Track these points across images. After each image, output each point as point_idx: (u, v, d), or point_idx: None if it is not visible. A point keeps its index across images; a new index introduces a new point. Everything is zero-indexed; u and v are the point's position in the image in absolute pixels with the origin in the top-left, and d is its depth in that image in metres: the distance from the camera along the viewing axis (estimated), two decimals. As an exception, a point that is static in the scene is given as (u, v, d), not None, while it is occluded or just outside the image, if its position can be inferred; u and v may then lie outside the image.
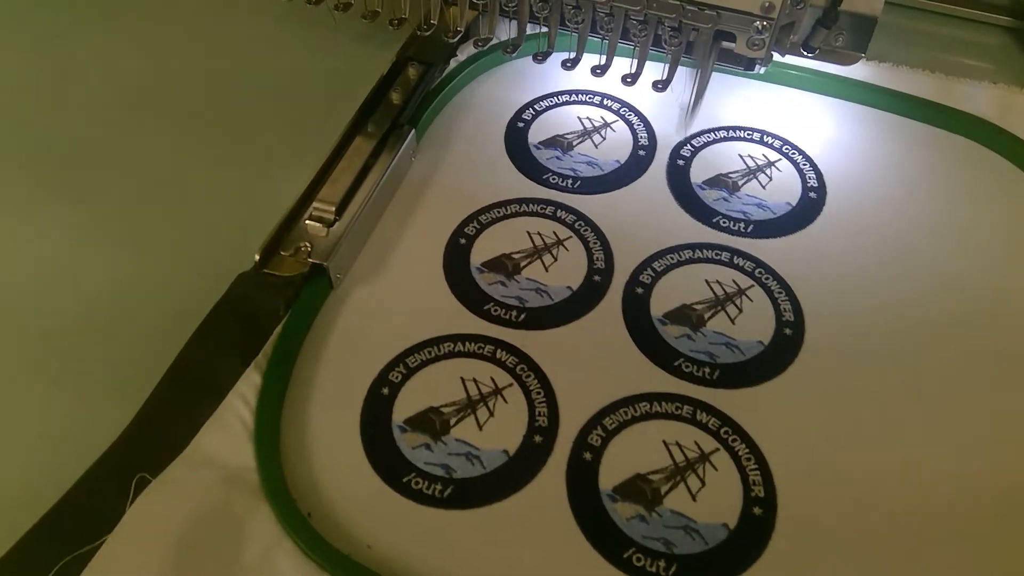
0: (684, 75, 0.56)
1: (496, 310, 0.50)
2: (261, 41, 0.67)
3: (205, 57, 0.66)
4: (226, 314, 0.46)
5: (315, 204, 0.51)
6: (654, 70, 0.54)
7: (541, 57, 0.57)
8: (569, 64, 0.57)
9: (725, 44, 0.53)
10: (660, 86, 0.55)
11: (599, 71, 0.56)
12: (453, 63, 0.62)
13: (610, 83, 0.63)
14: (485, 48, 0.58)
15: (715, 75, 0.57)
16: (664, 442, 0.44)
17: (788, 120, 0.61)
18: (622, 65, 0.55)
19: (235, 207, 0.55)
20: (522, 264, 0.52)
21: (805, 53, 0.54)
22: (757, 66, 0.55)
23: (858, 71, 0.62)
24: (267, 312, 0.47)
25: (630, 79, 0.55)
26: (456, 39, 0.60)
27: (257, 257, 0.48)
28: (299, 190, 0.51)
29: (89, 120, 0.61)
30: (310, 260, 0.48)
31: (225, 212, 0.55)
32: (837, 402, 0.46)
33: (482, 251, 0.53)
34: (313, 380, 0.46)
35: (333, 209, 0.50)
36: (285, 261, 0.49)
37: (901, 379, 0.47)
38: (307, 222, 0.50)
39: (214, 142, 0.59)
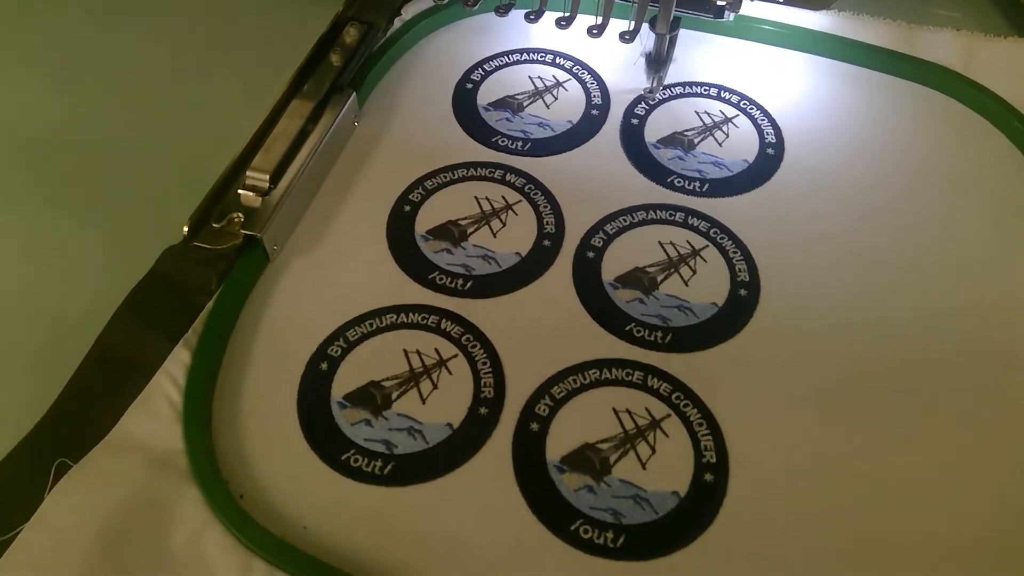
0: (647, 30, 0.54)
1: (441, 279, 0.48)
2: None
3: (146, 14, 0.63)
4: (153, 290, 0.44)
5: (248, 173, 0.48)
6: (618, 25, 0.53)
7: (503, 10, 0.55)
8: (532, 16, 0.54)
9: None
10: (627, 37, 0.52)
11: (563, 23, 0.53)
12: (398, 23, 0.60)
13: (562, 40, 0.60)
14: (475, 6, 0.55)
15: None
16: (614, 410, 0.43)
17: (747, 75, 0.59)
18: (584, 21, 0.53)
19: (170, 173, 0.53)
20: (469, 231, 0.50)
21: None
22: (726, 13, 0.53)
23: (819, 21, 0.60)
24: (197, 287, 0.45)
25: (596, 31, 0.53)
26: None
27: (186, 229, 0.46)
28: (230, 156, 0.49)
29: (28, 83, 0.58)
30: (243, 232, 0.46)
31: (159, 179, 0.53)
32: (792, 365, 0.45)
33: (427, 218, 0.51)
34: (247, 357, 0.44)
35: (267, 178, 0.48)
36: (217, 233, 0.47)
37: (861, 338, 0.46)
38: (240, 192, 0.48)
39: (151, 102, 0.57)
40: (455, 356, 0.45)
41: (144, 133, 0.55)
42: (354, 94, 0.54)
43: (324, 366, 0.44)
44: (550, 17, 0.54)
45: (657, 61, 0.55)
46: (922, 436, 0.42)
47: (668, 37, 0.53)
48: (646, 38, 0.55)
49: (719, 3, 0.51)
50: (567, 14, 0.54)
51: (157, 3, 0.64)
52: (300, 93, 0.53)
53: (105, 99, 0.57)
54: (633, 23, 0.53)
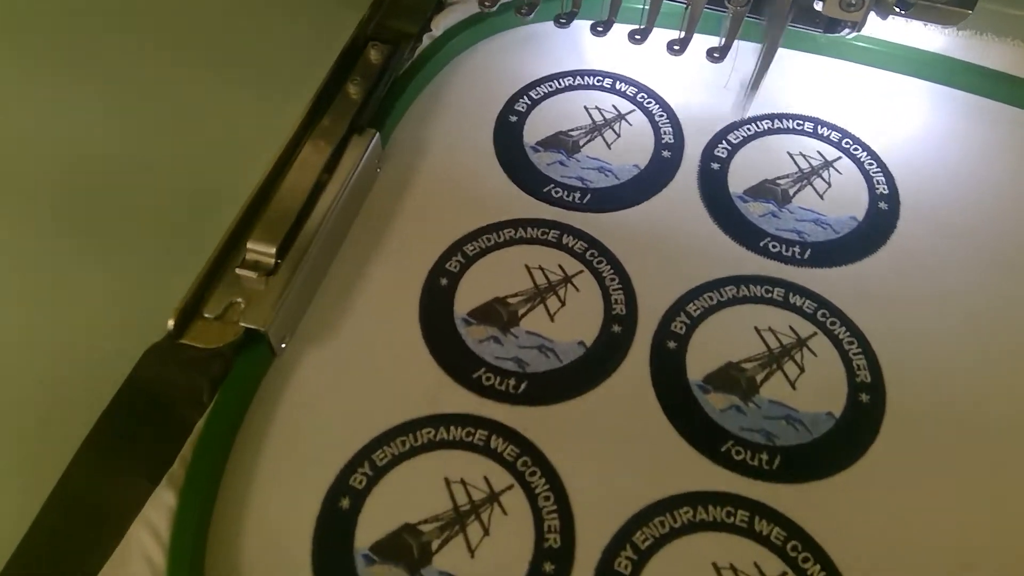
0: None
1: (489, 377, 0.39)
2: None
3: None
4: (129, 409, 0.35)
5: (248, 245, 0.39)
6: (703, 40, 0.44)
7: (565, 20, 0.45)
8: (600, 29, 0.44)
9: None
10: (717, 55, 0.43)
11: (638, 37, 0.44)
12: (426, 40, 0.49)
13: (620, 58, 0.50)
14: (493, 8, 0.45)
15: (751, 44, 0.46)
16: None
17: (847, 105, 0.49)
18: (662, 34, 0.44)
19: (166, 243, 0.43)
20: (520, 312, 0.41)
21: (899, 11, 0.42)
22: (845, 30, 0.43)
23: (934, 41, 0.50)
24: (186, 400, 0.36)
25: (678, 47, 0.43)
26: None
27: (171, 324, 0.36)
28: (225, 225, 0.39)
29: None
30: (242, 324, 0.37)
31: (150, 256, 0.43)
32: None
33: (468, 295, 0.41)
34: (248, 495, 0.35)
35: (273, 251, 0.38)
36: (210, 327, 0.37)
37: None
38: (238, 271, 0.38)
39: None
40: (515, 476, 0.36)
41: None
42: (377, 135, 0.44)
43: (345, 503, 0.35)
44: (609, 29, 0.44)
45: (752, 85, 0.45)
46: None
47: (770, 53, 0.43)
48: (734, 60, 0.45)
49: (842, 19, 0.41)
50: (642, 26, 0.45)
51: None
52: (312, 136, 0.43)
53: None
54: (724, 38, 0.43)
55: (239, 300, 0.38)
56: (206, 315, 0.37)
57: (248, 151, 0.42)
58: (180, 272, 0.38)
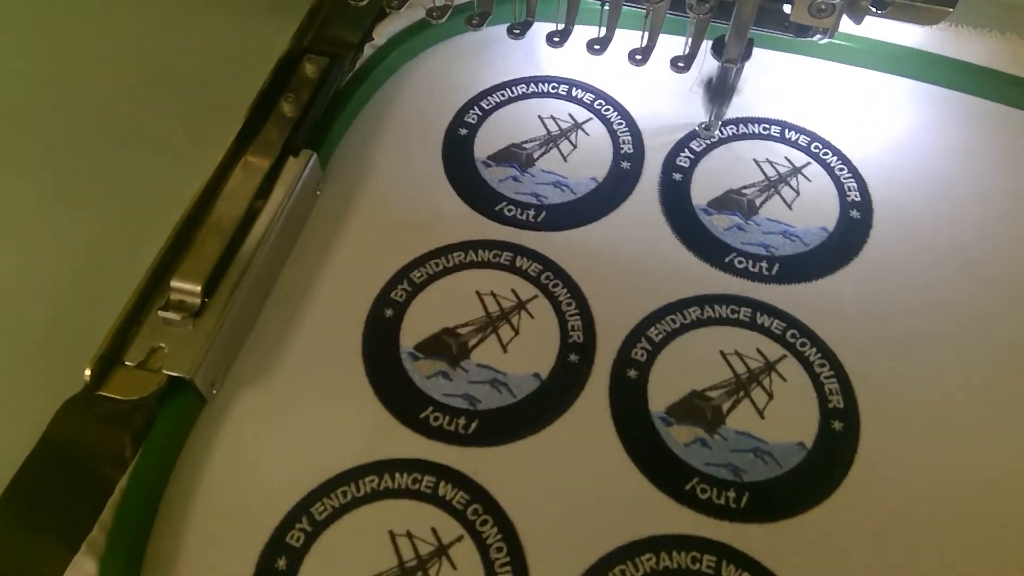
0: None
1: (437, 417, 0.36)
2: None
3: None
4: (43, 470, 0.32)
5: (172, 283, 0.36)
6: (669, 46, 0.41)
7: (520, 30, 0.43)
8: (557, 39, 0.42)
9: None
10: (681, 64, 0.40)
11: (597, 47, 0.41)
12: (368, 50, 0.46)
13: (577, 63, 0.48)
14: (443, 20, 0.42)
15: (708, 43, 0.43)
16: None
17: (817, 106, 0.46)
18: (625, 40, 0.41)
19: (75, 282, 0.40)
20: (471, 343, 0.38)
21: (874, 10, 0.39)
22: (817, 35, 0.40)
23: (909, 36, 0.47)
24: (105, 458, 0.33)
25: (640, 56, 0.41)
26: (399, 8, 0.43)
27: (88, 374, 0.34)
28: (147, 262, 0.36)
29: None
30: (165, 372, 0.34)
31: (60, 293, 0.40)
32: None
33: (415, 326, 0.39)
34: (176, 560, 0.32)
35: (198, 288, 0.36)
36: (132, 376, 0.34)
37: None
38: (160, 313, 0.35)
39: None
40: (460, 539, 0.33)
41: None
42: (314, 156, 0.41)
43: (282, 564, 0.32)
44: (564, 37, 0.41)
45: (720, 91, 0.43)
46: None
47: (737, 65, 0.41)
48: (703, 62, 0.42)
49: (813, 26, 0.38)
50: (601, 35, 0.42)
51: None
52: (242, 160, 0.40)
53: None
54: (689, 44, 0.41)
55: (162, 345, 0.35)
56: (127, 362, 0.35)
57: (172, 178, 0.39)
58: (98, 315, 0.35)
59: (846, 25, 0.45)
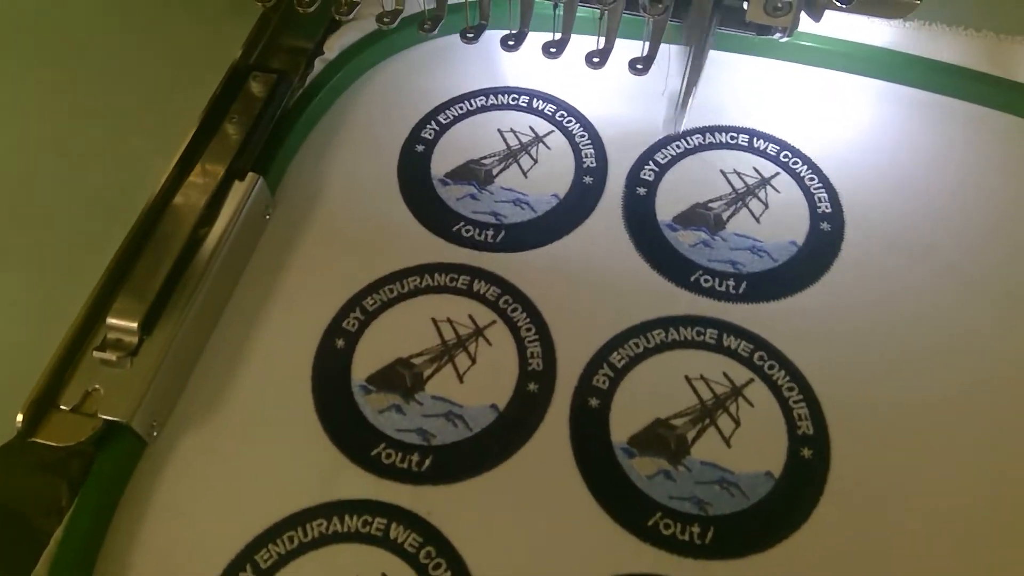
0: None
1: (390, 454, 0.35)
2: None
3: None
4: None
5: (109, 321, 0.34)
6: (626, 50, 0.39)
7: (473, 34, 0.41)
8: (512, 42, 0.40)
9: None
10: (640, 66, 0.39)
11: (553, 50, 0.39)
12: (319, 65, 0.45)
13: (536, 73, 0.46)
14: (394, 24, 0.41)
15: (677, 47, 0.41)
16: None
17: (785, 112, 0.44)
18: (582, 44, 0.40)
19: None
20: (426, 374, 0.37)
21: (839, 4, 0.38)
22: (777, 33, 0.39)
23: (879, 35, 0.45)
24: (40, 508, 0.32)
25: (597, 59, 0.39)
26: (348, 15, 0.41)
27: (20, 420, 0.32)
28: (82, 298, 0.35)
29: None
30: (101, 416, 0.33)
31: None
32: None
33: (368, 357, 0.37)
34: (114, 613, 0.31)
35: (135, 326, 0.34)
36: (66, 420, 0.33)
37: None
38: (95, 354, 0.34)
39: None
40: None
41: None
42: (261, 179, 0.39)
43: (226, 616, 0.31)
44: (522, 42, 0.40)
45: (681, 104, 0.41)
46: None
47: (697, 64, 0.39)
48: (667, 66, 0.41)
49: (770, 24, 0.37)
50: (556, 36, 0.40)
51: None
52: (184, 186, 0.38)
53: None
54: (647, 46, 0.39)
55: (98, 387, 0.33)
56: (62, 406, 0.33)
57: (106, 206, 0.38)
58: (31, 356, 0.33)
59: (814, 26, 0.43)
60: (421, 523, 0.33)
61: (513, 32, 0.42)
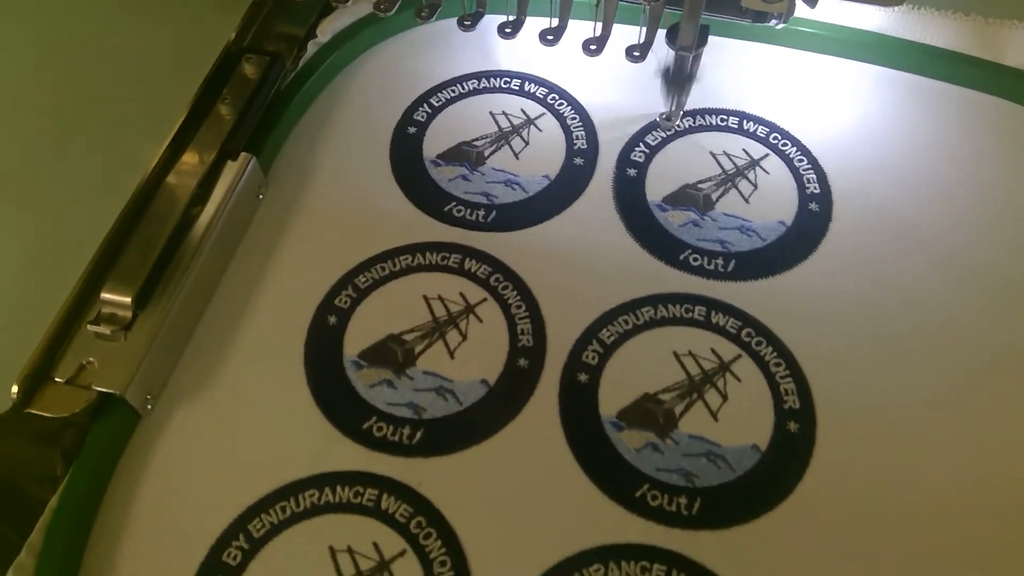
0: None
1: (381, 427, 0.35)
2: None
3: None
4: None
5: (102, 295, 0.35)
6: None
7: (469, 21, 0.41)
8: (509, 30, 0.40)
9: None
10: (637, 54, 0.39)
11: (550, 37, 0.40)
12: (312, 48, 0.45)
13: (529, 56, 0.46)
14: (390, 12, 0.41)
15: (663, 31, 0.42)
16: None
17: (775, 95, 0.45)
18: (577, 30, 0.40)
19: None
20: (417, 350, 0.37)
21: None
22: (773, 20, 0.39)
23: (868, 19, 0.46)
24: (34, 478, 0.32)
25: (594, 46, 0.40)
26: (344, 1, 0.41)
27: (15, 391, 0.33)
28: (77, 273, 0.35)
29: None
30: (95, 388, 0.33)
31: None
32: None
33: (360, 334, 0.38)
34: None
35: (128, 300, 0.35)
36: (60, 392, 0.33)
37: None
38: (89, 327, 0.34)
39: None
40: (402, 552, 0.32)
41: None
42: (253, 159, 0.40)
43: (218, 583, 0.32)
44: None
45: (679, 80, 0.41)
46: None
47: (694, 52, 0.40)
48: (664, 52, 0.41)
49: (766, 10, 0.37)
50: (553, 25, 0.40)
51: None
52: (178, 165, 0.39)
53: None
54: (644, 33, 0.39)
55: (92, 360, 0.34)
56: (56, 379, 0.33)
57: (104, 184, 0.38)
58: (26, 329, 0.34)
59: (806, 11, 0.44)
60: (412, 494, 0.33)
61: (510, 19, 0.42)
